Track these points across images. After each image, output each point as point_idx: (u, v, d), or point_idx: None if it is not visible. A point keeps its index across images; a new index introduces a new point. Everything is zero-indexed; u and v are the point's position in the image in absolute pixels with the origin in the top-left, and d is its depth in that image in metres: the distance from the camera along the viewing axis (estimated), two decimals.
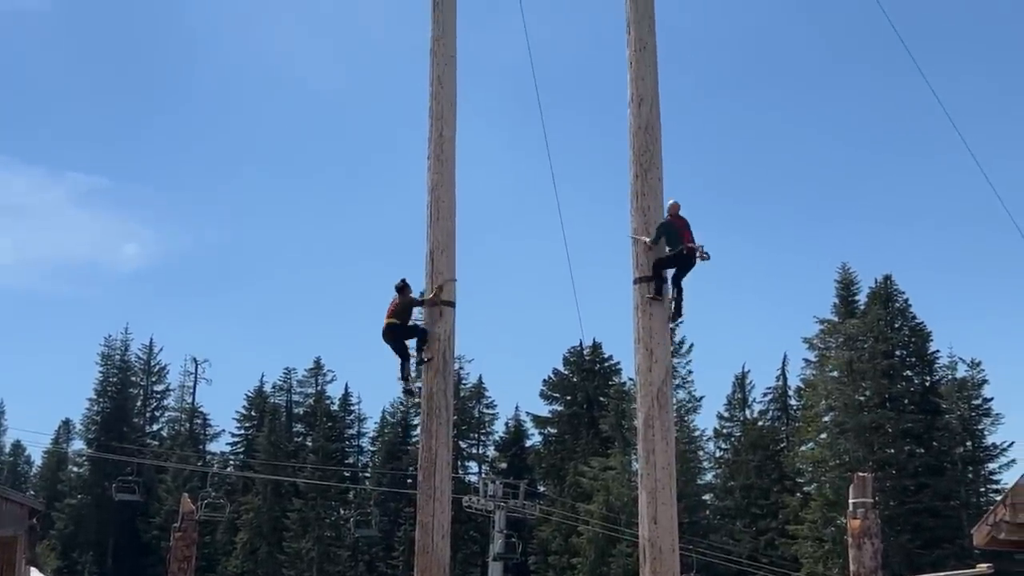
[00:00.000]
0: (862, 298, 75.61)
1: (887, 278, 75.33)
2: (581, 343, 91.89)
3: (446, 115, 19.64)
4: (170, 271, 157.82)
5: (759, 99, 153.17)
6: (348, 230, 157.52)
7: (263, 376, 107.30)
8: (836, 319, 74.40)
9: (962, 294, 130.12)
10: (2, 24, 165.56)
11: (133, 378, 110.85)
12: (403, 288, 19.20)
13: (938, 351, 75.41)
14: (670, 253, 17.51)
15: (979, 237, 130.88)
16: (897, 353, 73.79)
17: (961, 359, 76.22)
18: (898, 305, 75.15)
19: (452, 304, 19.04)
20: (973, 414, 74.70)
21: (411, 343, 19.35)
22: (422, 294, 19.25)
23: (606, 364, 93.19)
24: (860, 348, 71.64)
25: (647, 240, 17.57)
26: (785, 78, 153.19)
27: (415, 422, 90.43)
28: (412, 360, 19.34)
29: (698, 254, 17.60)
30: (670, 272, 17.76)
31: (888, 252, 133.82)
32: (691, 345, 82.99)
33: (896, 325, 74.70)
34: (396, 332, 19.15)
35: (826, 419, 72.67)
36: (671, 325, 17.91)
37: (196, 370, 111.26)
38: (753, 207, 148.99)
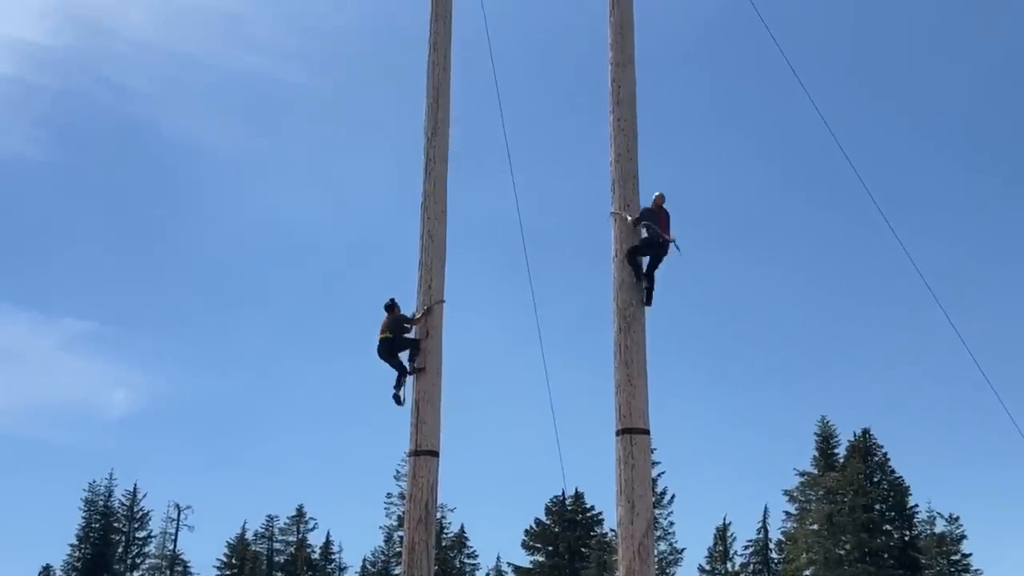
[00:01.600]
0: (841, 451, 75.94)
1: (866, 432, 75.78)
2: (563, 493, 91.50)
3: (435, 268, 20.12)
4: (158, 417, 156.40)
5: (739, 254, 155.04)
6: (334, 378, 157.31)
7: (245, 523, 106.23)
8: (816, 472, 74.56)
9: (940, 448, 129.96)
10: (1, 172, 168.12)
11: (116, 524, 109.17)
12: (392, 307, 20.12)
13: (917, 506, 75.74)
14: (645, 240, 18.18)
15: (957, 392, 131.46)
16: (876, 507, 73.76)
17: (940, 514, 76.43)
18: (877, 459, 75.39)
19: (436, 454, 19.12)
20: (952, 569, 74.40)
21: (405, 355, 19.91)
22: (413, 314, 19.88)
23: (588, 515, 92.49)
24: (840, 502, 71.70)
25: (630, 218, 18.31)
26: (766, 233, 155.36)
27: (396, 571, 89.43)
28: (408, 377, 19.75)
29: (671, 247, 18.25)
30: (645, 261, 18.33)
31: (866, 404, 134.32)
32: (672, 496, 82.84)
33: (875, 479, 74.81)
34: (390, 346, 19.82)
35: (807, 573, 72.32)
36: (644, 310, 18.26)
37: (178, 516, 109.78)
38: (734, 359, 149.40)
